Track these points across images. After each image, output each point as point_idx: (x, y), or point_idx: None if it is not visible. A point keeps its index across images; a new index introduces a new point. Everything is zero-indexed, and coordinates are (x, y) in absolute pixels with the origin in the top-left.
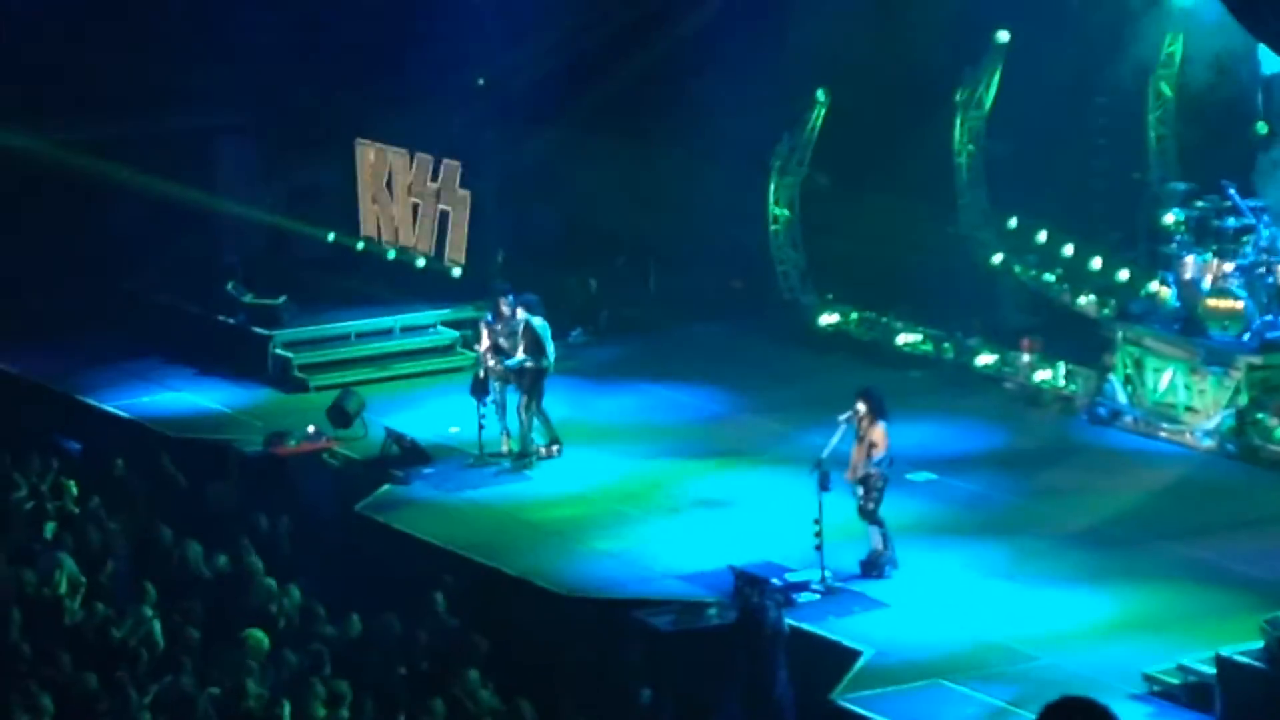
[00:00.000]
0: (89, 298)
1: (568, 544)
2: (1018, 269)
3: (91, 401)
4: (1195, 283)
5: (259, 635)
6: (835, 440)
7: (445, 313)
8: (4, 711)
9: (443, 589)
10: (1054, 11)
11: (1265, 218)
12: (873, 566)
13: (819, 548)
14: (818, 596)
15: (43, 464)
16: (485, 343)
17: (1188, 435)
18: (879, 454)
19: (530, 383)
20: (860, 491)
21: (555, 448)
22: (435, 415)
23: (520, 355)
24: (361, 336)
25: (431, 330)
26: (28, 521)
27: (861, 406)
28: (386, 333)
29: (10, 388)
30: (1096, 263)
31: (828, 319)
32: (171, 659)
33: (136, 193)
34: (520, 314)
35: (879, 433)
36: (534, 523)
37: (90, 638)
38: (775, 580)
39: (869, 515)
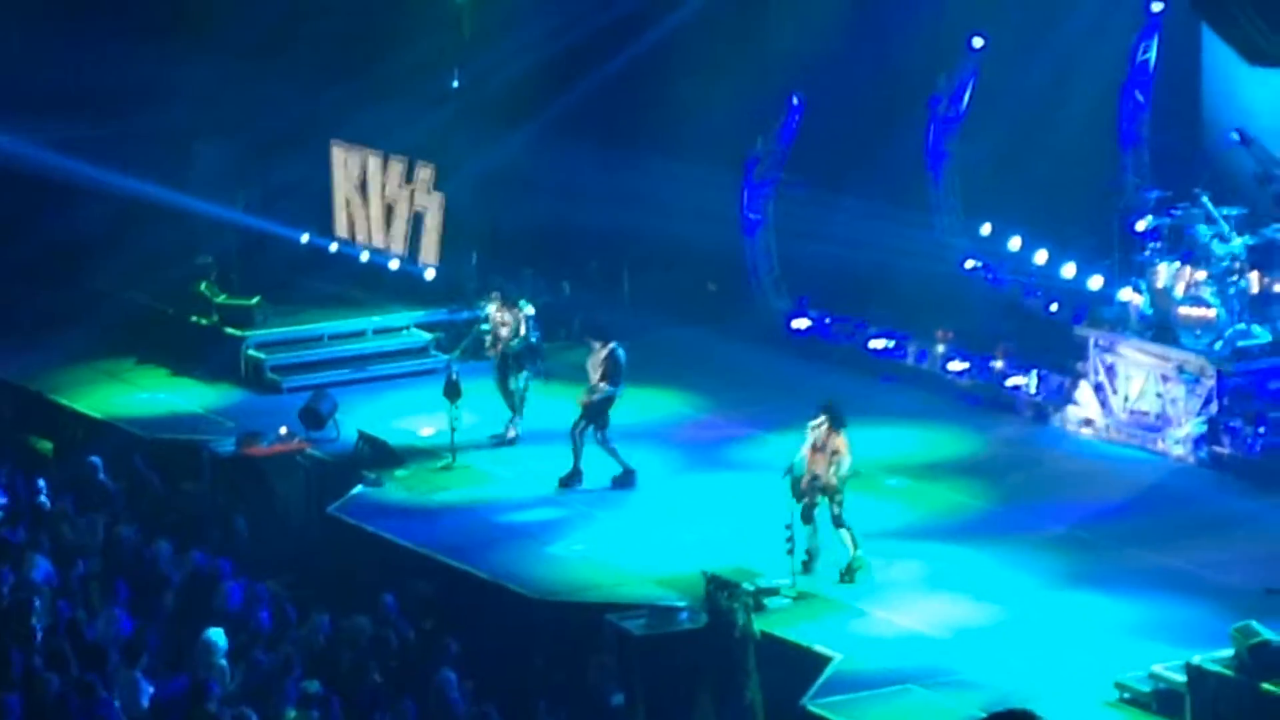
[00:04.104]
0: (62, 297)
1: (540, 547)
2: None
3: (64, 402)
4: (1168, 290)
5: (218, 634)
6: (808, 446)
7: (418, 314)
8: None
9: (413, 591)
10: (1029, 17)
11: (1234, 224)
12: (849, 573)
13: (790, 552)
14: (789, 602)
15: (14, 464)
16: (497, 316)
17: (1159, 442)
18: (846, 461)
19: (598, 409)
20: (828, 499)
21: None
22: (408, 417)
23: (604, 384)
24: (335, 338)
25: (404, 332)
26: (1, 521)
27: (824, 419)
28: (359, 334)
29: None
30: (1069, 269)
31: (800, 323)
32: (139, 659)
33: (111, 191)
34: (600, 346)
35: (841, 442)
36: (506, 525)
37: (61, 638)
38: (746, 585)
39: (838, 520)
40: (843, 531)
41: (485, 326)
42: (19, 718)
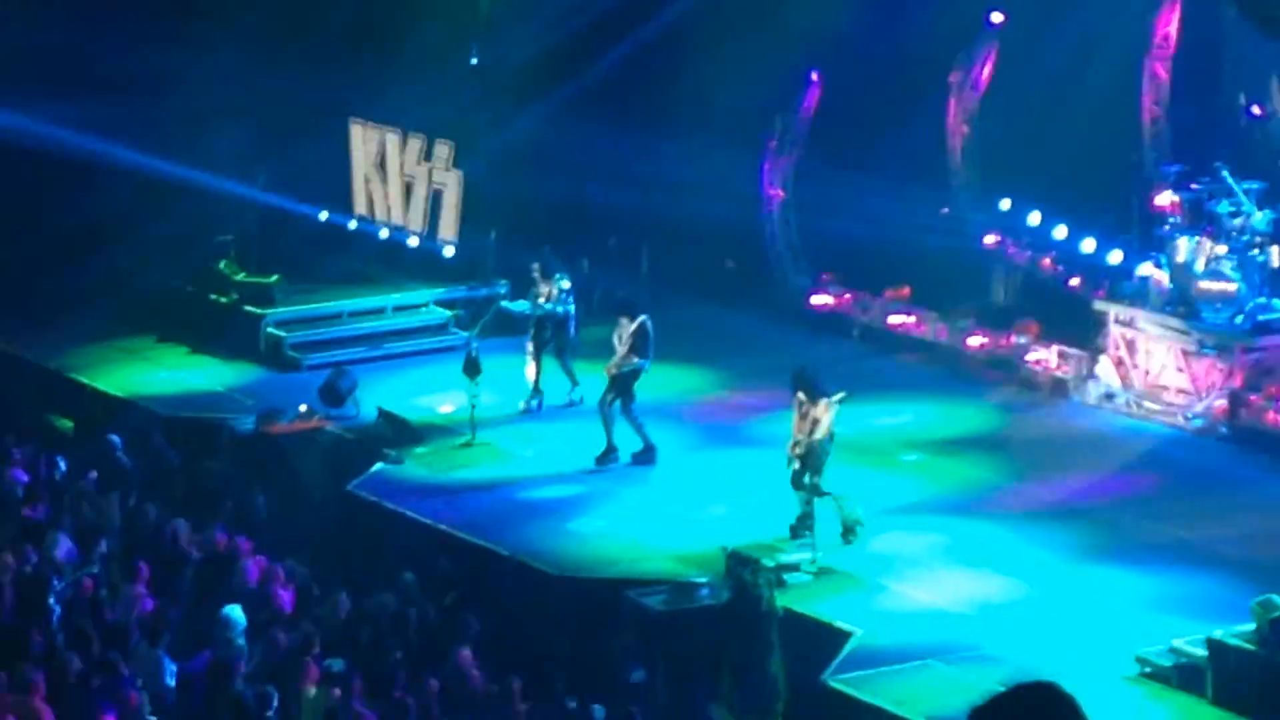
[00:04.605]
0: (82, 276)
1: (560, 523)
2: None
3: (84, 380)
4: (1188, 265)
5: (237, 612)
6: (796, 416)
7: (437, 292)
8: None
9: (434, 568)
10: None
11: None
12: (849, 533)
13: (810, 529)
14: (809, 577)
15: (35, 443)
16: (541, 289)
17: (1179, 417)
18: (823, 430)
19: (625, 383)
20: (796, 465)
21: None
22: (427, 394)
23: (633, 357)
24: (354, 315)
25: (424, 309)
26: (22, 500)
27: (801, 396)
28: (379, 312)
29: (3, 365)
30: (1089, 244)
31: (820, 299)
32: (161, 637)
33: (130, 171)
34: (629, 321)
35: (823, 409)
36: (526, 502)
37: (83, 616)
38: (767, 560)
39: (815, 489)
40: (829, 499)
41: (514, 304)
42: (42, 695)
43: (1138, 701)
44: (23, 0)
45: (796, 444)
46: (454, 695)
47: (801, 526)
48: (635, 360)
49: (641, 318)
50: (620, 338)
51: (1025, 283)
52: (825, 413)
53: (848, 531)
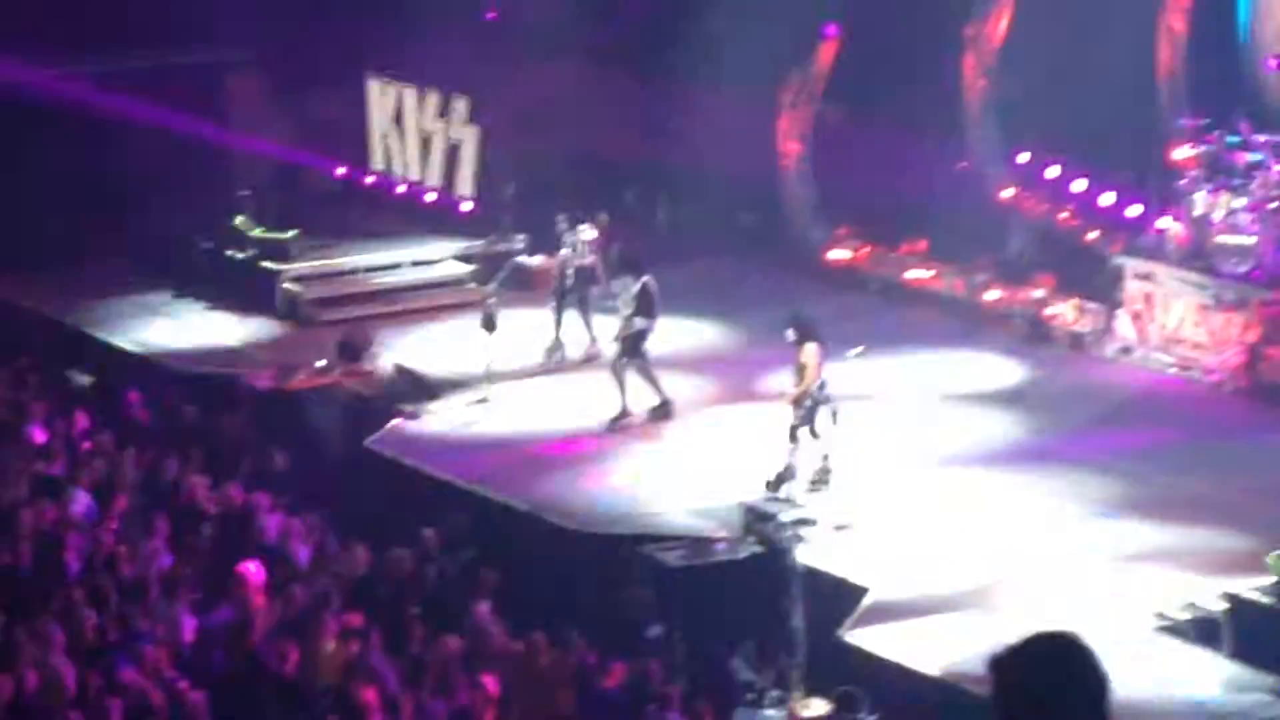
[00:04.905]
0: (99, 231)
1: (577, 478)
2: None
3: (101, 335)
4: (1206, 218)
5: (256, 568)
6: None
7: (455, 247)
8: (14, 645)
9: (451, 523)
10: None
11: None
12: (781, 483)
13: (826, 481)
14: (826, 532)
15: (53, 399)
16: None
17: (1197, 371)
18: (810, 377)
19: (634, 343)
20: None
21: (670, 408)
22: (445, 349)
23: (638, 319)
24: (371, 271)
25: (441, 264)
26: (40, 456)
27: (791, 334)
28: (396, 267)
29: (20, 321)
30: (1108, 198)
31: (837, 254)
32: (179, 592)
33: (146, 126)
34: (633, 280)
35: (808, 354)
36: (543, 457)
37: (100, 572)
38: (784, 515)
39: (790, 433)
40: (791, 445)
41: (533, 259)
42: (61, 650)
43: (1155, 655)
44: None
45: (782, 394)
46: (472, 650)
47: (818, 480)
48: (638, 321)
49: (644, 278)
50: (625, 299)
51: (1043, 236)
52: (811, 358)
53: (778, 483)
